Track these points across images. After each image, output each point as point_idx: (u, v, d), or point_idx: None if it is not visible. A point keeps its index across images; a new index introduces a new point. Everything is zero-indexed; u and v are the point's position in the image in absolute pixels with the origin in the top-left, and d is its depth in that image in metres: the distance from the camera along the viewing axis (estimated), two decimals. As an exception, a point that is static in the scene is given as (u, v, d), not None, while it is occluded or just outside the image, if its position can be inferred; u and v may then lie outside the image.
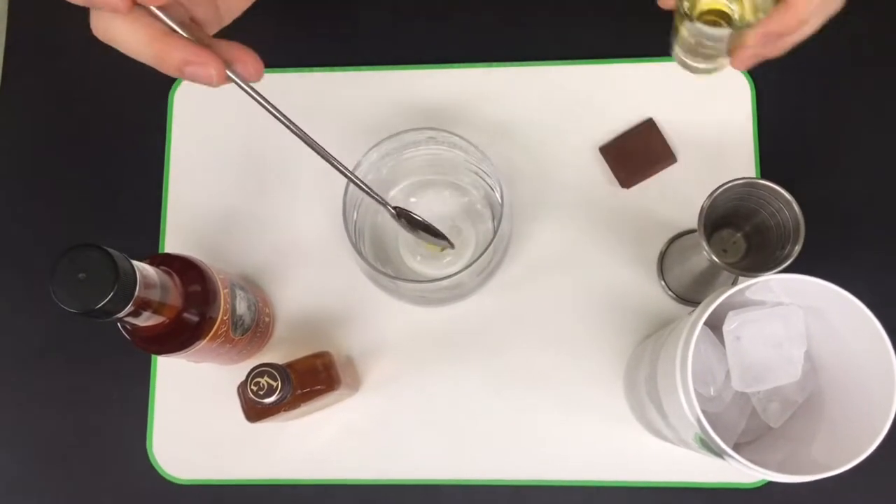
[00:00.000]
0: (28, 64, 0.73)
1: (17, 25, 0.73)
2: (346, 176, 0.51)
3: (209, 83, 0.43)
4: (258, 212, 0.68)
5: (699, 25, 0.52)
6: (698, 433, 0.47)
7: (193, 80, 0.43)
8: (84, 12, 0.74)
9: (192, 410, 0.66)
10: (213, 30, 0.47)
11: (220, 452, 0.66)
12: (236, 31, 0.70)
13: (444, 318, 0.66)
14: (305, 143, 0.47)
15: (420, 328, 0.66)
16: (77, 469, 0.66)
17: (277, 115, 0.46)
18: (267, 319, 0.65)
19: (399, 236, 0.65)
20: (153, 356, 0.67)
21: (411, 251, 0.64)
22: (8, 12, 0.74)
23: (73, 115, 0.72)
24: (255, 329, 0.62)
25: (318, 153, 0.48)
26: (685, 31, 0.55)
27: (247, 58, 0.45)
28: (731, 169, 0.66)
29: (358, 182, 0.52)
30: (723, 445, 0.45)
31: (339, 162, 0.50)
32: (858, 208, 0.66)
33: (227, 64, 0.44)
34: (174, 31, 0.42)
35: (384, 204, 0.54)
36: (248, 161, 0.69)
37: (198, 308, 0.54)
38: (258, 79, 0.45)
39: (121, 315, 0.47)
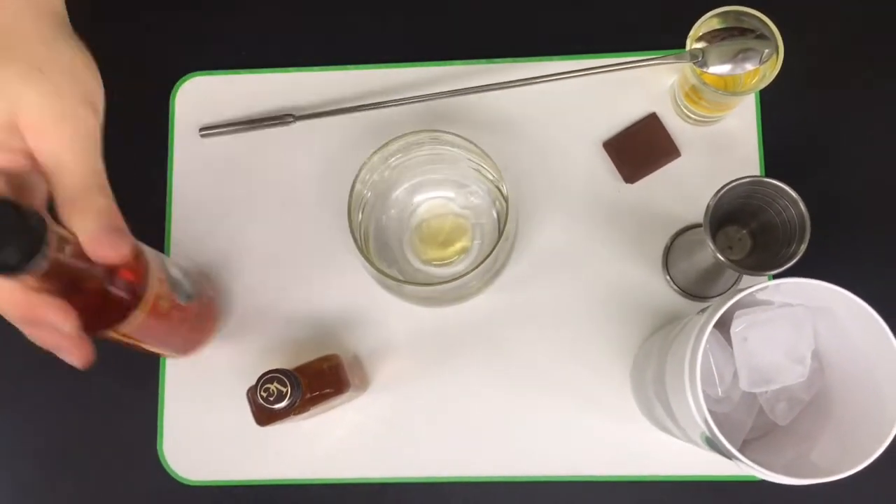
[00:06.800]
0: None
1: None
2: None
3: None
4: (262, 213, 0.68)
5: None
6: (705, 433, 0.47)
7: None
8: (82, 14, 0.74)
9: (202, 411, 0.67)
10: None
11: (231, 453, 0.66)
12: (242, 28, 0.70)
13: (451, 317, 0.66)
14: None
15: (427, 328, 0.66)
16: (88, 472, 0.67)
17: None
18: (211, 293, 0.65)
19: (404, 237, 0.64)
20: (162, 359, 0.67)
21: (416, 252, 0.64)
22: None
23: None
24: (200, 300, 0.61)
25: None
26: None
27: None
28: (736, 162, 0.66)
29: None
30: (731, 448, 0.45)
31: None
32: (864, 205, 0.66)
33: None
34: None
35: None
36: (252, 163, 0.69)
37: (128, 271, 0.51)
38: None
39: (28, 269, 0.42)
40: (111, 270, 0.49)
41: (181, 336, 0.61)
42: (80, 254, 0.44)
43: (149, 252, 0.55)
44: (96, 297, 0.49)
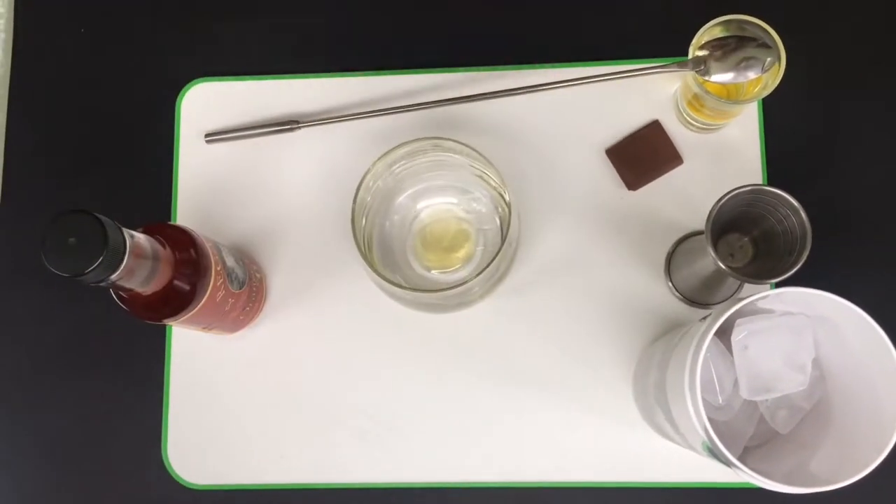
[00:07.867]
0: (35, 72, 0.73)
1: (22, 35, 0.74)
2: None
3: None
4: (266, 219, 0.69)
5: None
6: (706, 442, 0.47)
7: None
8: (87, 17, 0.74)
9: (207, 415, 0.67)
10: None
11: (235, 457, 0.66)
12: (247, 35, 0.71)
13: (453, 322, 0.66)
14: None
15: (430, 334, 0.66)
16: (92, 476, 0.67)
17: None
18: (258, 275, 0.65)
19: (407, 243, 0.65)
20: (166, 361, 0.67)
21: (419, 258, 0.65)
22: (14, 21, 0.74)
23: (81, 122, 0.72)
24: (251, 283, 0.62)
25: None
26: None
27: None
28: (738, 169, 0.66)
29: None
30: (730, 457, 0.45)
31: None
32: (866, 214, 0.66)
33: None
34: None
35: None
36: (256, 169, 0.69)
37: (192, 266, 0.53)
38: None
39: (115, 276, 0.46)
40: (177, 267, 0.52)
41: (230, 320, 0.62)
42: (150, 255, 0.49)
43: (209, 244, 0.56)
44: (161, 292, 0.52)
